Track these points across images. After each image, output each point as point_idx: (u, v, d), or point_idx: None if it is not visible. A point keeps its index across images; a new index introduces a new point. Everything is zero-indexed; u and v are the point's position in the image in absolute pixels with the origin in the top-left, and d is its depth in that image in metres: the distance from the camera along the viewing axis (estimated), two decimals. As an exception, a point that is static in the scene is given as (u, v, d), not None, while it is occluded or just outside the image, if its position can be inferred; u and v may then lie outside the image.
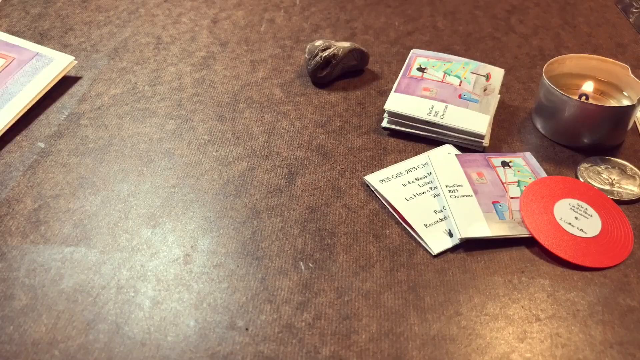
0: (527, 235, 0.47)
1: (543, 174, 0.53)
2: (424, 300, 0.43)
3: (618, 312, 0.43)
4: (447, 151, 0.55)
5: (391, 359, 0.40)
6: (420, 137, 0.58)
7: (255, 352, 0.40)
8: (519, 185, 0.51)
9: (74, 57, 0.64)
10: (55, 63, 0.60)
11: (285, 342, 0.40)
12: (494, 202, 0.50)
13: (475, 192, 0.50)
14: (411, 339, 0.41)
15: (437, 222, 0.49)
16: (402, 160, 0.55)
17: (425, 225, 0.48)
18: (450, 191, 0.50)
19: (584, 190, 0.51)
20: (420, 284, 0.45)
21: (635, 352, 0.41)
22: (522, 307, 0.43)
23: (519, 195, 0.50)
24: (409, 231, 0.49)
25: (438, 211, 0.49)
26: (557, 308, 0.43)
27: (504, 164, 0.54)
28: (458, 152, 0.55)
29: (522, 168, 0.53)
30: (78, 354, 0.39)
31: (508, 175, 0.52)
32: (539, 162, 0.55)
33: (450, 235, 0.48)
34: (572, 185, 0.52)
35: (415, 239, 0.48)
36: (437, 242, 0.47)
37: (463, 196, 0.50)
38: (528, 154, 0.55)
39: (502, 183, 0.52)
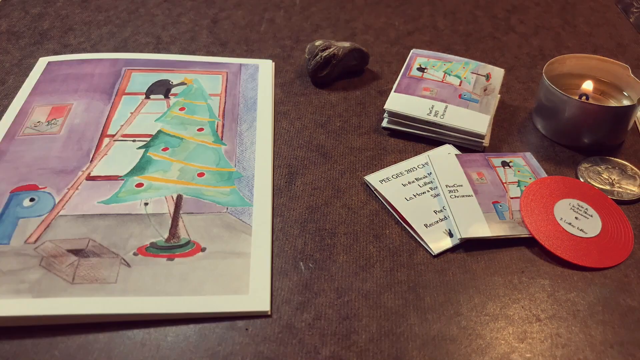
0: (527, 236, 0.47)
1: (543, 174, 0.53)
2: (424, 301, 0.43)
3: (618, 312, 0.43)
4: (447, 151, 0.55)
5: (391, 359, 0.40)
6: (420, 137, 0.58)
7: (255, 352, 0.40)
8: (519, 185, 0.51)
9: (271, 60, 0.68)
10: (262, 67, 0.66)
11: (285, 342, 0.40)
12: (494, 202, 0.50)
13: (476, 192, 0.50)
14: (411, 339, 0.41)
15: (437, 222, 0.48)
16: (402, 160, 0.55)
17: (425, 225, 0.48)
18: (450, 191, 0.50)
19: (584, 191, 0.51)
20: (420, 284, 0.45)
21: (635, 352, 0.40)
22: (523, 307, 0.43)
23: (519, 196, 0.50)
24: (409, 231, 0.49)
25: (438, 211, 0.49)
26: (557, 308, 0.43)
27: (504, 164, 0.54)
28: (458, 152, 0.55)
29: (522, 168, 0.53)
30: (78, 355, 0.39)
31: (508, 175, 0.52)
32: (539, 162, 0.55)
33: (451, 235, 0.48)
34: (573, 185, 0.52)
35: (415, 239, 0.48)
36: (437, 242, 0.47)
37: (463, 196, 0.50)
38: (528, 154, 0.55)
39: (502, 183, 0.52)
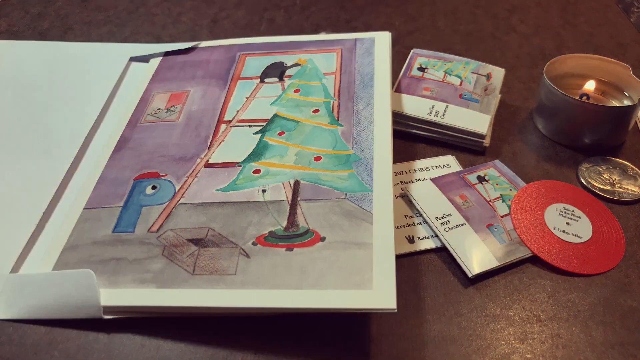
0: (532, 255, 0.46)
1: (519, 181, 0.52)
2: (424, 301, 0.43)
3: (619, 312, 0.43)
4: (447, 162, 0.55)
5: (391, 360, 0.40)
6: (420, 137, 0.58)
7: (255, 353, 0.40)
8: (503, 201, 0.50)
9: (388, 31, 0.64)
10: (378, 40, 0.63)
11: (285, 343, 0.40)
12: (488, 226, 0.48)
13: (467, 218, 0.48)
14: (411, 340, 0.41)
15: (403, 227, 0.48)
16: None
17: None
18: (442, 224, 0.48)
19: (566, 191, 0.51)
20: (420, 284, 0.45)
21: (636, 352, 0.40)
22: (523, 307, 0.43)
23: (507, 212, 0.49)
24: (409, 231, 0.49)
25: (409, 216, 0.49)
26: (557, 309, 0.43)
27: (480, 179, 0.52)
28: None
29: (499, 180, 0.52)
30: (78, 355, 0.39)
31: (489, 191, 0.51)
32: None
33: (411, 242, 0.47)
34: (554, 189, 0.51)
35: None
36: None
37: (456, 226, 0.48)
38: (497, 162, 0.54)
39: (488, 202, 0.50)
